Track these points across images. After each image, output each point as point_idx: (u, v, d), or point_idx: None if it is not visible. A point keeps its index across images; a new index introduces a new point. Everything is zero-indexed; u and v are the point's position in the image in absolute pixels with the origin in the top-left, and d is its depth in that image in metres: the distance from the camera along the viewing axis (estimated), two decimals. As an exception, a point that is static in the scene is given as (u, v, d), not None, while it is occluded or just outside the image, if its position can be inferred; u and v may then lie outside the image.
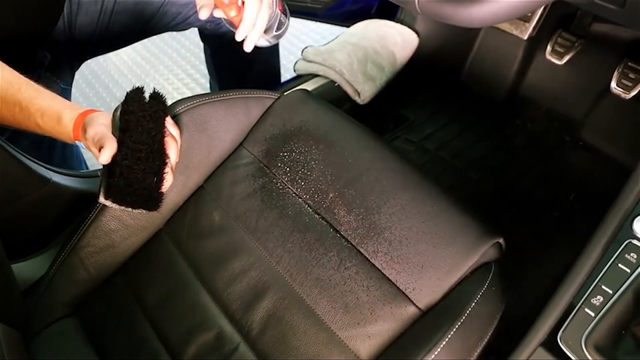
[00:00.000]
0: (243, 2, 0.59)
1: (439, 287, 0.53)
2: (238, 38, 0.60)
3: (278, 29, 0.67)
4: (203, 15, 0.60)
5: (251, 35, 0.61)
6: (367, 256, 0.57)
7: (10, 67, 0.58)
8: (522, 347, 0.48)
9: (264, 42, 0.67)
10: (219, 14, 0.62)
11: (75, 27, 0.83)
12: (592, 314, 0.45)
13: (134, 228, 0.66)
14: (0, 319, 0.53)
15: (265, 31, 0.64)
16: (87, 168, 1.02)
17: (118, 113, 0.56)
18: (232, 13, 0.59)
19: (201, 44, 1.16)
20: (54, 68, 0.85)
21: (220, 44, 0.68)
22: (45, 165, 0.73)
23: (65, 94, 0.89)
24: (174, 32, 1.03)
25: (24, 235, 0.73)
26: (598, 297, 0.46)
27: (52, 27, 0.80)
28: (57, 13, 0.80)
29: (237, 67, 0.71)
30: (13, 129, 0.70)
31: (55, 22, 0.80)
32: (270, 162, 0.67)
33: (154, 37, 0.98)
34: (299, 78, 1.06)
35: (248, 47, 0.63)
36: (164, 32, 0.96)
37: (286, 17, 0.68)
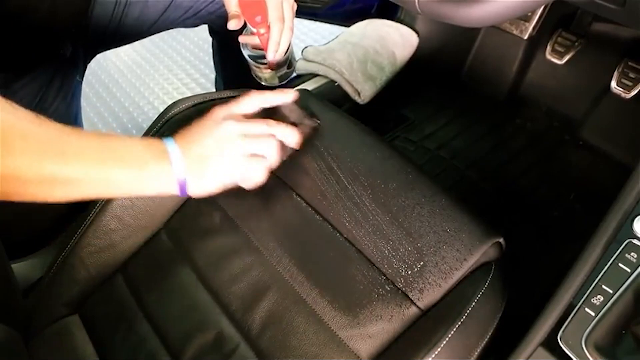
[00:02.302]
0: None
1: (439, 287, 0.53)
2: (269, 54, 0.66)
3: (288, 67, 0.74)
4: (232, 25, 0.63)
5: (276, 55, 0.66)
6: (367, 256, 0.57)
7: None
8: (522, 346, 0.47)
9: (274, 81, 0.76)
10: (244, 39, 0.69)
11: (91, 17, 0.84)
12: (593, 314, 0.45)
13: (134, 228, 0.66)
14: (0, 319, 0.53)
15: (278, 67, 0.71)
16: None
17: None
18: (262, 30, 0.64)
19: (201, 44, 1.16)
20: (73, 60, 0.85)
21: (228, 39, 0.70)
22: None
23: (78, 87, 0.89)
24: (174, 32, 1.03)
25: (24, 235, 0.73)
26: (598, 296, 0.46)
27: (81, 16, 0.80)
28: (87, 2, 0.80)
29: (242, 61, 0.74)
30: None
31: (85, 11, 0.80)
32: (270, 162, 0.67)
33: (155, 36, 0.98)
34: (299, 78, 1.06)
35: (273, 66, 0.69)
36: (174, 27, 0.96)
37: (294, 63, 0.76)
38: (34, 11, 0.69)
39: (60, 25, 0.77)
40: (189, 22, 0.96)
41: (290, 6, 0.65)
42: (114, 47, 0.97)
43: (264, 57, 0.68)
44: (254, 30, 0.64)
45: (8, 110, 0.41)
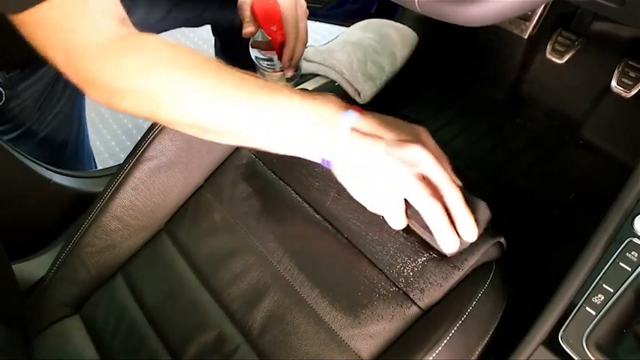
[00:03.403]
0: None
1: (440, 287, 0.53)
2: (285, 63, 0.66)
3: (296, 69, 0.76)
4: (247, 34, 0.64)
5: (292, 62, 0.67)
6: (368, 256, 0.57)
7: None
8: (523, 346, 0.47)
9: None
10: (255, 43, 0.69)
11: None
12: (593, 313, 0.45)
13: (135, 228, 0.66)
14: (0, 319, 0.53)
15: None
16: (95, 167, 1.02)
17: None
18: (277, 37, 0.65)
19: (201, 44, 1.16)
20: None
21: (231, 39, 0.71)
22: (46, 165, 0.73)
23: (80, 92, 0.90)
24: (174, 32, 1.03)
25: (25, 235, 0.73)
26: (599, 295, 0.46)
27: None
28: None
29: (246, 62, 0.75)
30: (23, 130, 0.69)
31: None
32: (271, 162, 0.67)
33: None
34: (299, 78, 1.06)
35: (289, 73, 0.70)
36: (180, 26, 0.96)
37: (300, 64, 0.77)
38: None
39: None
40: (194, 20, 0.96)
41: (303, 12, 0.65)
42: None
43: (272, 59, 0.68)
44: (268, 38, 0.65)
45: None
